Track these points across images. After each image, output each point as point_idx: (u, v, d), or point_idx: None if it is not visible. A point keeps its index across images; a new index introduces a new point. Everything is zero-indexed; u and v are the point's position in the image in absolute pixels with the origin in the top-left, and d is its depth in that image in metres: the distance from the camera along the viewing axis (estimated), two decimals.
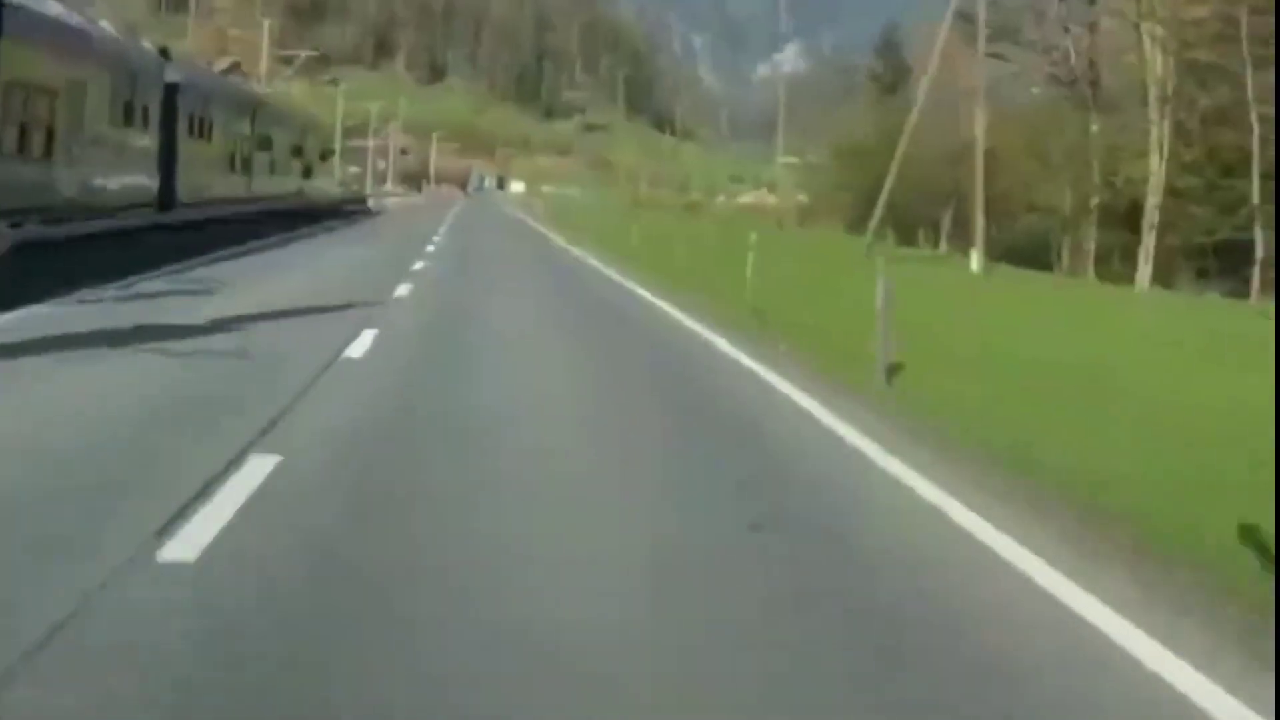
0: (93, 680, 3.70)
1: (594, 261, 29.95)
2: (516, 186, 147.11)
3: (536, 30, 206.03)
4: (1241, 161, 41.58)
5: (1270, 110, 41.38)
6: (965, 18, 45.55)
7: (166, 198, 26.43)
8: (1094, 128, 47.31)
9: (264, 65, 70.34)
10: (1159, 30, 43.07)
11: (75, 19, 21.47)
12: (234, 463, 6.44)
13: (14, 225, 16.71)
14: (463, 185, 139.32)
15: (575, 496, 6.40)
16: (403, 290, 18.14)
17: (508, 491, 6.40)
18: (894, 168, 41.21)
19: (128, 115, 23.59)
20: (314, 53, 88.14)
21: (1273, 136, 38.28)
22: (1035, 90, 51.42)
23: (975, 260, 36.75)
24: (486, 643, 4.12)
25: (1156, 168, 42.96)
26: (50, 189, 19.46)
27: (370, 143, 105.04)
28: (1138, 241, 43.48)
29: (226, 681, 3.72)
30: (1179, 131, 42.94)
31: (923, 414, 9.42)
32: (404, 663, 3.91)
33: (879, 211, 42.13)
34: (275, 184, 39.67)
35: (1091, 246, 46.73)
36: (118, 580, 4.55)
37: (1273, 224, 41.89)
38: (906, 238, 55.75)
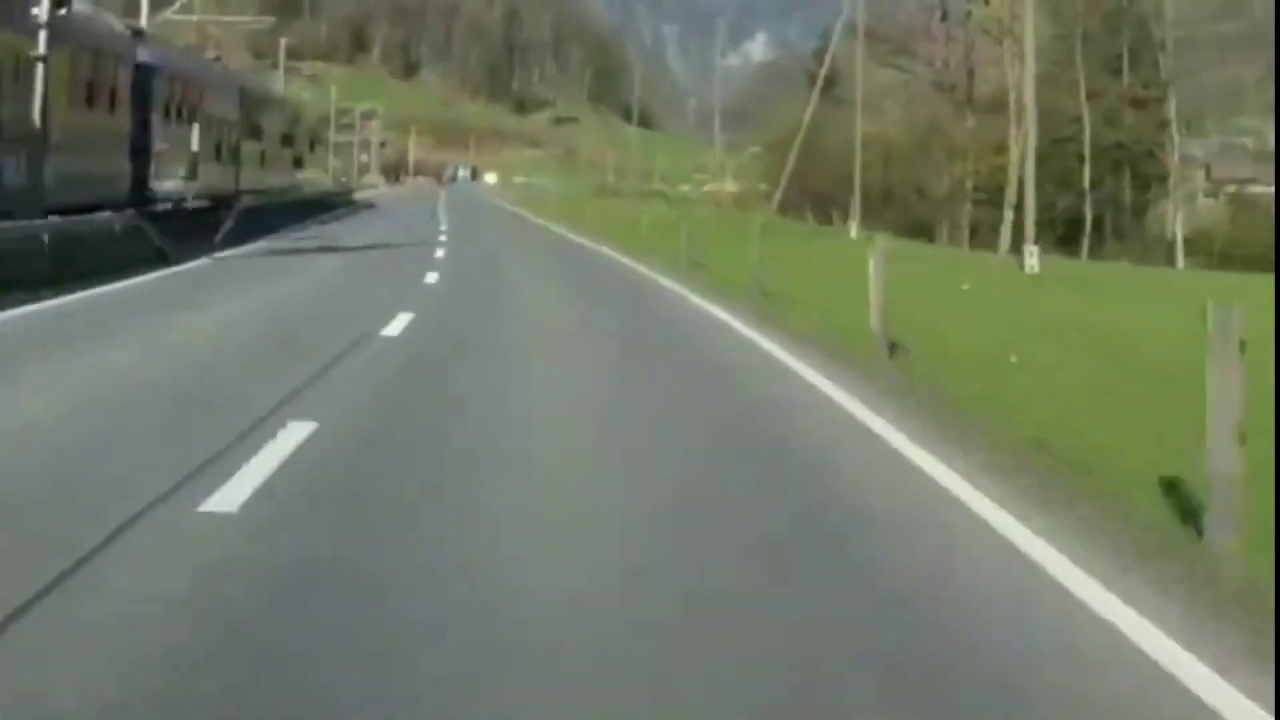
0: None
1: (559, 229, 40.82)
2: (490, 178, 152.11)
3: (507, 24, 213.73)
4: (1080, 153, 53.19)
5: (1095, 115, 53.75)
6: (871, 35, 56.85)
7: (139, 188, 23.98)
8: (969, 123, 58.30)
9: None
10: (1015, 46, 54.14)
11: None
12: (417, 276, 17.12)
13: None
14: (439, 177, 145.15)
15: (565, 350, 16.89)
16: (443, 235, 29.99)
17: (535, 334, 17.05)
18: (791, 159, 52.44)
19: (91, 96, 21.43)
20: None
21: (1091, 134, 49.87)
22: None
23: (854, 230, 47.20)
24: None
25: (1015, 158, 53.98)
26: None
27: (356, 138, 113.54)
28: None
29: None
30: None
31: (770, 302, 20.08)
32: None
33: (778, 195, 53.46)
34: (265, 177, 37.01)
35: (965, 222, 57.60)
36: (368, 341, 15.15)
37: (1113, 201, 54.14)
38: (825, 218, 66.52)
